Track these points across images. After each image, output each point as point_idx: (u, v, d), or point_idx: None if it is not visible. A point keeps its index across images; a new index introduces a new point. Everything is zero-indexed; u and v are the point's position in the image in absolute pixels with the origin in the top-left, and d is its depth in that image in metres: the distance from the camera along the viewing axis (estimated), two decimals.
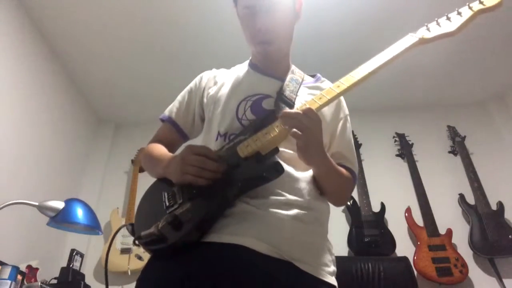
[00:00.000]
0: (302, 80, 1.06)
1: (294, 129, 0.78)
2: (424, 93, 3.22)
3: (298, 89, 1.01)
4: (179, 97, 1.16)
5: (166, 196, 0.84)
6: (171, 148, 1.10)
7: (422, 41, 0.89)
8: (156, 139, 1.13)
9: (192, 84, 1.16)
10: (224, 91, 1.05)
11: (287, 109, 0.80)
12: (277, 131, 0.80)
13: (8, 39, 2.30)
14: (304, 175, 0.91)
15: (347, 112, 1.07)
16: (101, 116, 3.47)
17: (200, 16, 2.52)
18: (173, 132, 1.13)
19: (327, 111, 1.00)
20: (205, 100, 1.09)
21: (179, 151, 0.92)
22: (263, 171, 0.79)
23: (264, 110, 0.96)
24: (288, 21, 1.05)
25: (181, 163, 0.83)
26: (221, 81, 1.10)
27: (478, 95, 3.25)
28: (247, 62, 1.15)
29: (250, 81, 1.06)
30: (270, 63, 1.08)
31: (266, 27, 0.99)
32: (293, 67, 1.11)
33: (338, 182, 0.94)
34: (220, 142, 0.95)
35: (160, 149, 1.05)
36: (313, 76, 1.12)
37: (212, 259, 0.77)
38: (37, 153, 2.56)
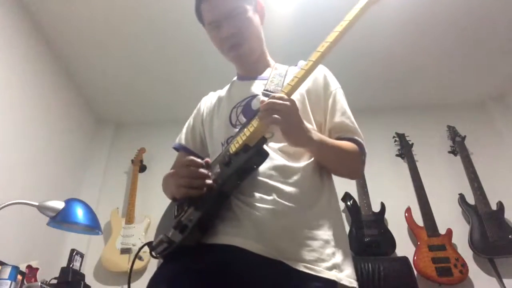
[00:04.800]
0: (287, 72, 1.09)
1: (272, 116, 0.81)
2: (424, 93, 3.22)
3: (283, 82, 1.03)
4: (185, 125, 1.25)
5: (176, 208, 0.91)
6: None
7: (373, 1, 0.90)
8: (173, 167, 1.18)
9: (195, 110, 1.26)
10: (218, 105, 1.15)
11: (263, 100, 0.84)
12: (259, 120, 0.84)
13: (6, 38, 2.30)
14: (297, 165, 0.92)
15: (337, 85, 1.09)
16: (101, 116, 3.46)
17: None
18: (186, 156, 1.17)
19: (312, 89, 1.04)
20: (204, 117, 1.18)
21: None
22: (248, 158, 0.83)
23: (253, 110, 1.00)
24: (251, 21, 1.08)
25: (174, 178, 0.89)
26: (216, 99, 1.19)
27: (478, 95, 3.25)
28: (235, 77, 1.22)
29: (237, 90, 1.14)
30: (249, 67, 1.14)
31: (230, 32, 1.05)
32: (274, 64, 1.15)
33: (339, 156, 0.95)
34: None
35: None
36: (296, 65, 1.15)
37: (207, 261, 0.79)
38: (37, 153, 2.56)
